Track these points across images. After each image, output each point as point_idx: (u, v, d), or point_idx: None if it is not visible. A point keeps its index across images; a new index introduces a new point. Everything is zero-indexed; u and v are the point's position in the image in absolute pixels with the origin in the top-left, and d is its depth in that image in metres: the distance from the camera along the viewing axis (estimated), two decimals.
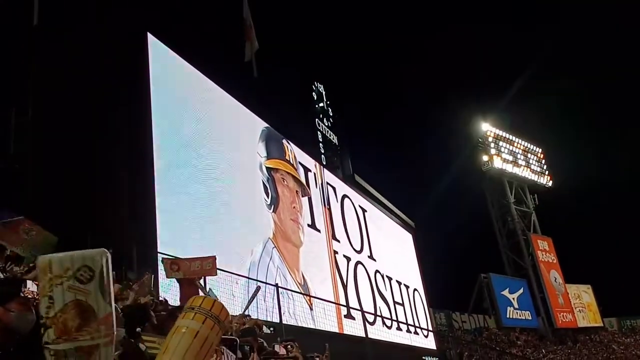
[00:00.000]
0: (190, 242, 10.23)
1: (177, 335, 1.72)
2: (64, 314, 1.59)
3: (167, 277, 5.81)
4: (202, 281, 6.77)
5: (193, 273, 5.90)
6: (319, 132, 23.93)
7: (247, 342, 5.02)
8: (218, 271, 6.74)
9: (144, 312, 3.87)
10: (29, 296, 3.07)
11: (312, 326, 12.87)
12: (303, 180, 16.23)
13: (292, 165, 15.92)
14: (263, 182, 14.27)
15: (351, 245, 18.13)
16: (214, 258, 5.73)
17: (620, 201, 40.28)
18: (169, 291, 7.52)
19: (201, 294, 6.15)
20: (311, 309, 13.45)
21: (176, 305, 5.53)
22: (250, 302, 5.31)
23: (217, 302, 1.83)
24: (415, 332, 19.74)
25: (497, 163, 37.60)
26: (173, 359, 1.68)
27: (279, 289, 11.13)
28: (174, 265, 5.93)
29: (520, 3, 48.21)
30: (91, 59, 10.15)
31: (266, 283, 11.22)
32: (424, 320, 22.44)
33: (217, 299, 6.59)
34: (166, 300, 6.05)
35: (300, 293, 13.46)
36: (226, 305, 2.43)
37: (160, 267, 7.03)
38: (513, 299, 33.83)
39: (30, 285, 3.64)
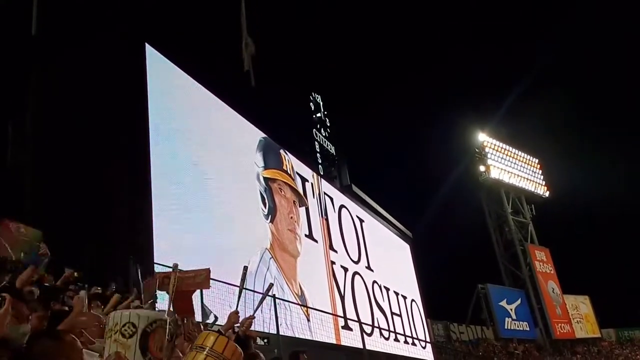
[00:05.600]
0: (187, 252, 10.19)
1: None
2: None
3: (158, 290, 5.75)
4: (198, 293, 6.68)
5: (185, 286, 5.80)
6: (316, 143, 23.99)
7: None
8: (214, 282, 6.70)
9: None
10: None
11: (309, 337, 12.81)
12: (300, 190, 16.23)
13: (290, 175, 15.93)
14: (260, 192, 14.26)
15: (349, 256, 18.09)
16: (207, 271, 5.65)
17: (618, 211, 40.33)
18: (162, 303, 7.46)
19: (196, 308, 6.10)
20: (308, 320, 13.39)
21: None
22: (261, 301, 5.18)
23: (230, 343, 1.78)
24: (413, 344, 19.64)
25: (494, 173, 37.64)
26: None
27: (276, 299, 11.08)
28: (166, 278, 5.83)
29: (516, 14, 48.59)
30: (89, 69, 10.18)
31: (263, 294, 11.15)
32: (421, 331, 22.35)
33: (211, 313, 6.54)
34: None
35: (298, 304, 13.41)
36: (223, 316, 2.40)
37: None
38: (511, 309, 33.73)
39: None
